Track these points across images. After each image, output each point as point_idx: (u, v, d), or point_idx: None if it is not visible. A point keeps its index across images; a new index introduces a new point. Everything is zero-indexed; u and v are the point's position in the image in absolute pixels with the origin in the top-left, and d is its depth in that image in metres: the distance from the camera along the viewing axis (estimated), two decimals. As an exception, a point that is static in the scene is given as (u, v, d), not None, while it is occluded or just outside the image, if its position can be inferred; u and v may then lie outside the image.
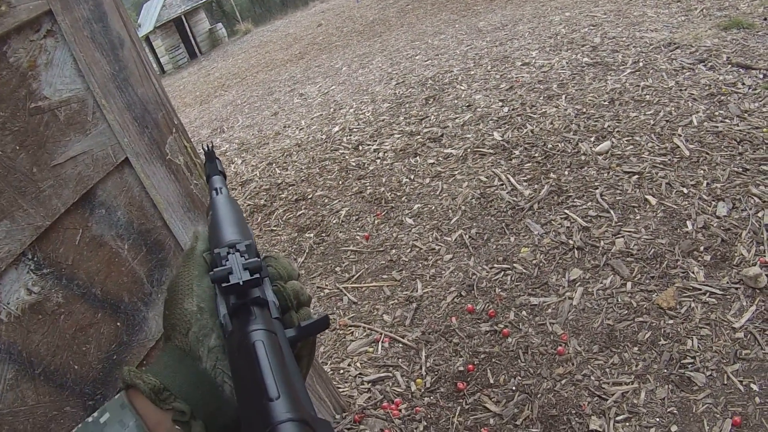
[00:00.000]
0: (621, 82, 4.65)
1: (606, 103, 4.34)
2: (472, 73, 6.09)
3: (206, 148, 1.12)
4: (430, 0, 13.53)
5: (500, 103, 4.93)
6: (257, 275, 0.63)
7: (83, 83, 1.44)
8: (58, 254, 1.35)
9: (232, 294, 0.62)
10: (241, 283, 0.61)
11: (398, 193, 4.10)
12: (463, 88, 5.69)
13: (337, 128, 5.93)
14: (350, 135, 5.56)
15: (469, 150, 4.28)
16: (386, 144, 4.99)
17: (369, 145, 5.13)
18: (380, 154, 4.83)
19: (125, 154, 1.54)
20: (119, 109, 1.53)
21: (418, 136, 4.87)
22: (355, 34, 13.21)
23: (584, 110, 4.32)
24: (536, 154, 3.91)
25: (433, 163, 4.32)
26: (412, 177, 4.25)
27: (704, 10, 6.13)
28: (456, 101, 5.37)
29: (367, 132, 5.44)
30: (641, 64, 4.92)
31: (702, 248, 2.80)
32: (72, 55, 1.42)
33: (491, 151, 4.16)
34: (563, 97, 4.66)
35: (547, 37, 6.65)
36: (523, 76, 5.45)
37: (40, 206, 1.29)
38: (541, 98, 4.77)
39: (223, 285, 0.62)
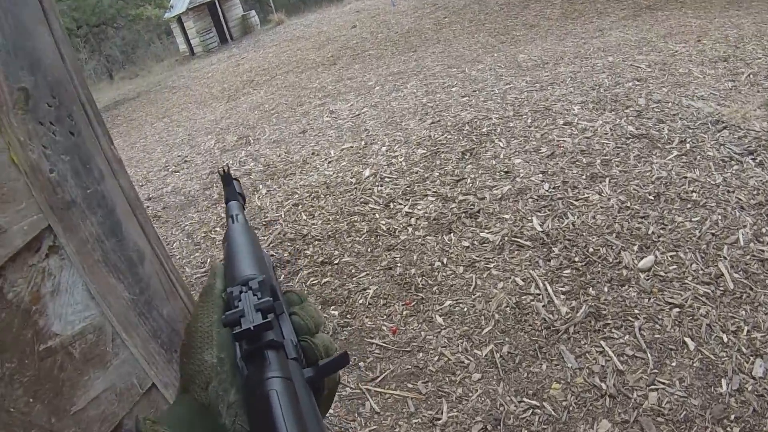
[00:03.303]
0: (667, 168, 4.50)
1: (651, 197, 4.20)
2: (512, 125, 5.96)
3: (222, 172, 1.09)
4: (468, 16, 13.35)
5: (540, 176, 4.80)
6: (269, 319, 0.60)
7: (98, 307, 1.30)
8: None
9: (244, 339, 0.60)
10: (252, 329, 0.58)
11: (430, 281, 3.98)
12: (501, 145, 5.56)
13: (367, 172, 5.82)
14: (381, 185, 5.44)
15: (506, 238, 4.15)
16: (419, 207, 4.87)
17: (401, 204, 5.01)
18: (412, 221, 4.71)
19: (151, 380, 1.41)
20: (143, 341, 1.38)
21: (454, 205, 4.74)
22: (389, 43, 13.05)
23: (628, 204, 4.18)
24: (576, 258, 3.78)
25: (468, 247, 4.20)
26: (445, 261, 4.13)
27: (751, 76, 5.99)
28: (494, 162, 5.25)
29: (400, 185, 5.32)
30: (688, 145, 4.77)
31: (732, 417, 2.67)
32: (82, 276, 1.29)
33: (530, 243, 4.03)
34: (607, 180, 4.52)
35: (590, 88, 6.50)
36: (564, 140, 5.31)
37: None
38: (584, 177, 4.64)
39: (234, 331, 0.59)
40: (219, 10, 28.68)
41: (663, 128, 5.15)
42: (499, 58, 9.03)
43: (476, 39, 11.06)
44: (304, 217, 5.34)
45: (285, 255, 4.83)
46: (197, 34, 27.95)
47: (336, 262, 4.53)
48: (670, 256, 3.62)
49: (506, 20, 12.09)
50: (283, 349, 0.60)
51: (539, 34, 10.23)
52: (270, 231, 5.31)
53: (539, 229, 4.16)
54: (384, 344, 3.59)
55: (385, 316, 3.81)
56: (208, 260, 5.31)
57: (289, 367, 0.58)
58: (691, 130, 5.01)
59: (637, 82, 6.41)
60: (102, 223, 1.32)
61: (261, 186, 6.55)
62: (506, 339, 3.36)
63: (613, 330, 3.22)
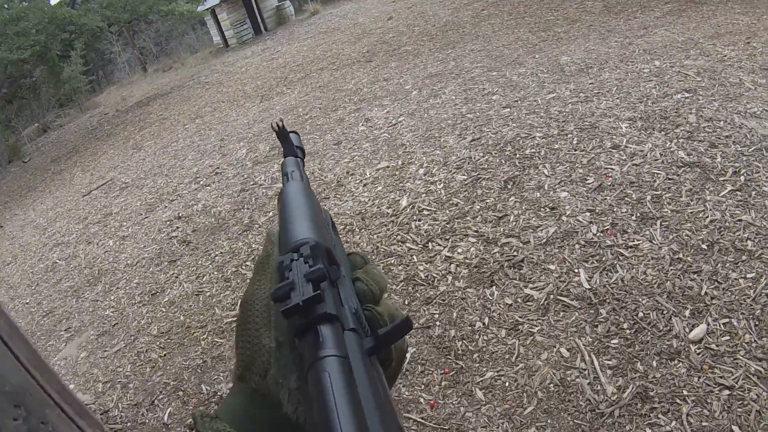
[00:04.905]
0: (721, 208, 4.19)
1: (705, 247, 3.90)
2: (556, 147, 5.66)
3: (276, 127, 1.06)
4: (507, 9, 12.95)
5: (588, 215, 4.52)
6: (319, 290, 0.55)
7: None
8: None
9: (294, 315, 0.55)
10: (301, 304, 0.54)
11: (470, 346, 3.76)
12: (546, 172, 5.28)
13: (405, 201, 5.59)
14: (419, 219, 5.22)
15: (552, 296, 3.91)
16: (460, 250, 4.64)
17: (440, 245, 4.78)
18: (452, 268, 4.49)
19: None
20: None
21: (496, 250, 4.50)
22: (426, 38, 12.74)
23: (681, 255, 3.89)
24: (625, 325, 3.53)
25: (511, 305, 3.96)
26: (486, 321, 3.89)
27: (807, 88, 5.62)
28: (538, 194, 4.98)
29: (439, 221, 5.09)
30: (742, 178, 4.45)
31: None
32: None
33: (576, 303, 3.78)
34: (658, 222, 4.23)
35: (637, 100, 6.17)
36: (612, 168, 5.01)
37: None
38: (634, 218, 4.35)
39: (282, 308, 0.55)
40: (253, 1, 28.46)
41: (716, 154, 4.82)
42: (541, 60, 8.69)
43: (516, 35, 10.71)
44: (339, 255, 5.13)
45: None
46: (231, 26, 27.91)
47: (369, 311, 4.30)
48: (723, 324, 3.36)
49: (546, 13, 11.69)
50: (339, 320, 0.56)
51: (581, 31, 9.84)
52: (303, 268, 5.11)
53: (586, 285, 3.91)
54: (422, 419, 3.41)
55: (422, 386, 3.62)
56: (239, 302, 5.13)
57: (345, 342, 0.54)
58: (744, 158, 4.69)
59: (686, 94, 6.06)
60: None
61: (294, 213, 6.36)
62: (549, 421, 3.15)
63: (660, 415, 2.99)
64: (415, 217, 5.29)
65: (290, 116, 10.44)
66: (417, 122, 7.63)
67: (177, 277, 6.21)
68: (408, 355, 3.79)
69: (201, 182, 8.93)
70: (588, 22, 10.26)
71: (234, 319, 4.95)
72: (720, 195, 4.34)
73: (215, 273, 5.87)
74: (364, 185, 6.31)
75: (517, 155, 5.75)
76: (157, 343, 5.19)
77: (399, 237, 5.09)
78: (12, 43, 20.27)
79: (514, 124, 6.48)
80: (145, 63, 36.61)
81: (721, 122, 5.28)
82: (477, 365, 3.62)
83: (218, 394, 4.24)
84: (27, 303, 7.82)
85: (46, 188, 15.36)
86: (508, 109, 7.02)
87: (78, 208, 11.21)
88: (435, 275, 4.49)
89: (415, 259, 4.74)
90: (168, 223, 7.85)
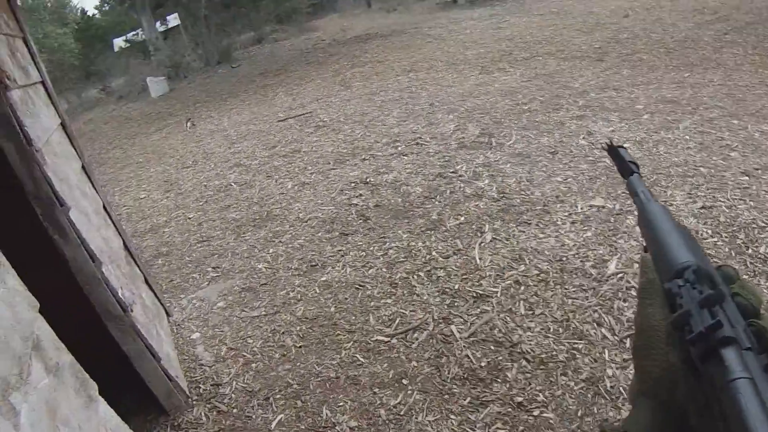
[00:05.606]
0: None
1: None
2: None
3: (607, 146, 1.09)
4: (751, 39, 11.15)
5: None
6: (718, 317, 0.59)
7: None
8: None
9: (696, 343, 0.59)
10: (704, 331, 0.58)
11: None
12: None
13: (613, 266, 4.70)
14: (625, 300, 4.33)
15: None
16: None
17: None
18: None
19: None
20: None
21: None
22: (663, 50, 11.45)
23: None
24: None
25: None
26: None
27: None
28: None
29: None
30: None
31: None
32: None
33: None
34: None
35: None
36: None
37: None
38: None
39: (687, 337, 0.60)
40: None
41: None
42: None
43: (761, 77, 8.91)
44: (522, 310, 4.39)
45: (480, 364, 3.98)
46: (467, -16, 27.00)
47: (534, 412, 3.53)
48: None
49: (797, 57, 10.06)
50: (737, 341, 0.57)
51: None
52: (478, 310, 4.48)
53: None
54: None
55: None
56: (397, 319, 4.59)
57: (747, 362, 0.55)
58: None
59: None
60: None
61: (487, 226, 5.71)
62: None
63: None
64: (620, 294, 4.38)
65: (507, 100, 9.72)
66: (644, 156, 6.67)
67: (343, 257, 5.79)
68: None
69: (399, 148, 8.48)
70: None
71: (386, 339, 4.43)
72: None
73: (383, 270, 5.36)
74: (572, 222, 5.44)
75: (749, 250, 4.63)
76: (297, 328, 4.80)
77: (596, 315, 4.22)
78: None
79: (752, 202, 5.28)
80: (370, -1, 36.84)
81: None
82: None
83: (336, 426, 3.73)
84: (190, 218, 7.85)
85: (246, 99, 15.62)
86: (747, 178, 5.75)
87: (270, 133, 11.17)
88: (622, 391, 3.59)
89: (606, 357, 3.87)
90: (353, 185, 7.49)
